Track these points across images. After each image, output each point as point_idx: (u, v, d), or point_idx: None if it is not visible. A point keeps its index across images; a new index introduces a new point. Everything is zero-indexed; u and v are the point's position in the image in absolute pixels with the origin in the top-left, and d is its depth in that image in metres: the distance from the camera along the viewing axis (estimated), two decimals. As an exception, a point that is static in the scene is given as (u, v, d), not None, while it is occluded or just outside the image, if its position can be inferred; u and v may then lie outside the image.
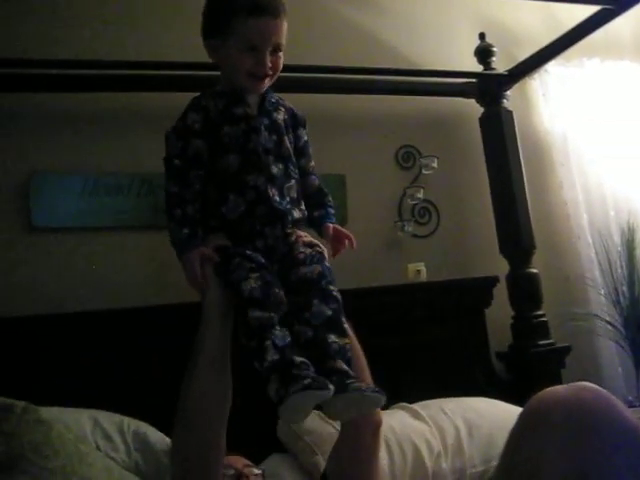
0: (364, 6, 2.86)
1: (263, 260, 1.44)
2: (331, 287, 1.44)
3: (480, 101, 2.81)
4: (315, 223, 1.61)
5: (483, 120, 2.82)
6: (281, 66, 1.55)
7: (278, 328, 1.33)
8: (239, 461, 1.64)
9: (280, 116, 1.59)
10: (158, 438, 1.82)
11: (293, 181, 1.56)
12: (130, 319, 2.12)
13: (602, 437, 1.16)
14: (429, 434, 2.06)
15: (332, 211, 1.64)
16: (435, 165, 2.77)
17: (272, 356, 1.28)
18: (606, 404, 1.23)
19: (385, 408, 2.17)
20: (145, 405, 1.92)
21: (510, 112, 2.77)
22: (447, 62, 2.81)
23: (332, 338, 1.36)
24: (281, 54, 1.54)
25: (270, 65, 1.51)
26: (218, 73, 1.60)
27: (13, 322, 2.01)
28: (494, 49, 2.80)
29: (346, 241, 1.57)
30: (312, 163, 1.67)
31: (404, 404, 2.23)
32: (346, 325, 1.42)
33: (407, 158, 2.83)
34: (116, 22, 2.45)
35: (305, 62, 2.24)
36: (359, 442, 1.53)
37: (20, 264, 2.23)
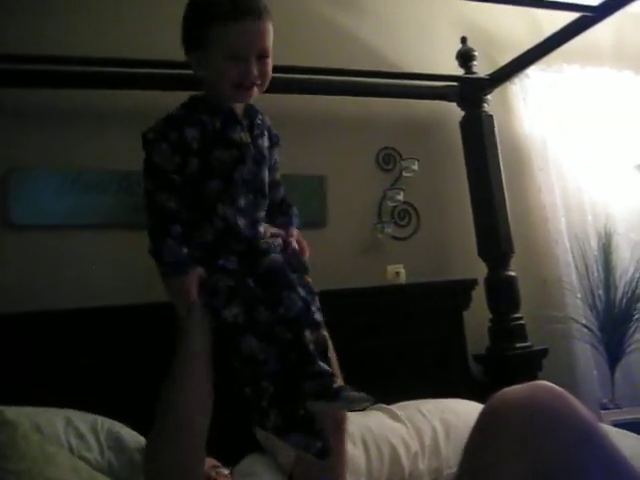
0: (346, 7, 2.87)
1: (236, 266, 1.41)
2: (296, 275, 1.43)
3: (461, 105, 2.83)
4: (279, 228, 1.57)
5: (463, 124, 2.84)
6: (270, 73, 1.46)
7: (272, 355, 1.34)
8: (207, 462, 1.63)
9: (265, 143, 1.53)
10: (132, 437, 1.80)
11: (263, 213, 1.52)
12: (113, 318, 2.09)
13: (559, 436, 1.16)
14: (406, 435, 2.07)
15: (296, 220, 1.61)
16: (415, 168, 2.79)
17: (269, 391, 1.33)
18: (562, 403, 1.22)
19: (363, 409, 2.18)
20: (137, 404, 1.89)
21: (490, 116, 2.79)
22: (429, 65, 2.83)
23: (308, 337, 1.36)
24: (269, 60, 1.44)
25: (257, 73, 1.42)
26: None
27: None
28: (475, 53, 2.82)
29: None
30: (278, 175, 1.63)
31: (382, 405, 2.23)
32: (318, 313, 1.42)
33: (388, 160, 2.84)
34: (98, 18, 2.43)
35: (286, 62, 2.23)
36: None
37: (-2, 261, 2.20)
